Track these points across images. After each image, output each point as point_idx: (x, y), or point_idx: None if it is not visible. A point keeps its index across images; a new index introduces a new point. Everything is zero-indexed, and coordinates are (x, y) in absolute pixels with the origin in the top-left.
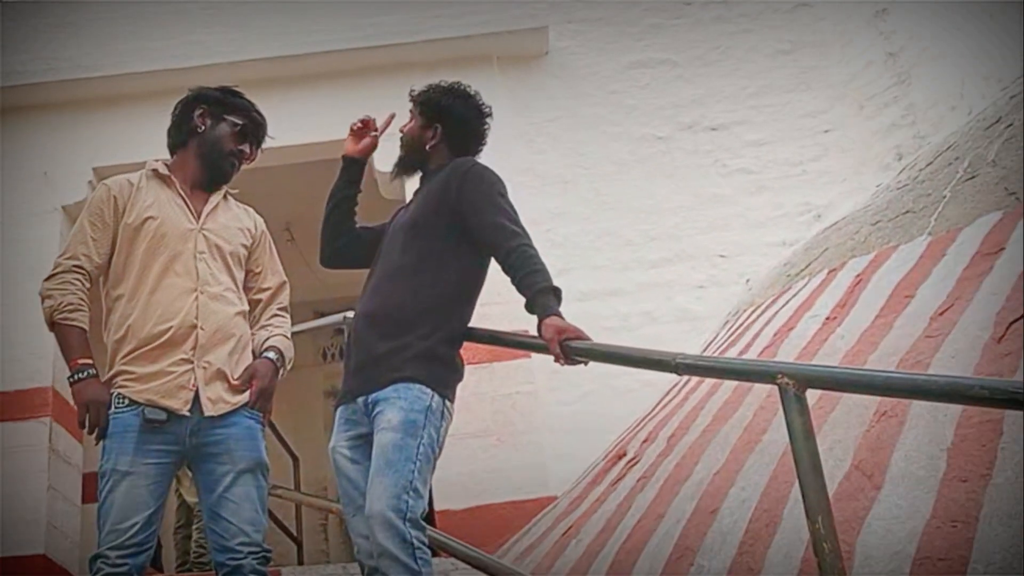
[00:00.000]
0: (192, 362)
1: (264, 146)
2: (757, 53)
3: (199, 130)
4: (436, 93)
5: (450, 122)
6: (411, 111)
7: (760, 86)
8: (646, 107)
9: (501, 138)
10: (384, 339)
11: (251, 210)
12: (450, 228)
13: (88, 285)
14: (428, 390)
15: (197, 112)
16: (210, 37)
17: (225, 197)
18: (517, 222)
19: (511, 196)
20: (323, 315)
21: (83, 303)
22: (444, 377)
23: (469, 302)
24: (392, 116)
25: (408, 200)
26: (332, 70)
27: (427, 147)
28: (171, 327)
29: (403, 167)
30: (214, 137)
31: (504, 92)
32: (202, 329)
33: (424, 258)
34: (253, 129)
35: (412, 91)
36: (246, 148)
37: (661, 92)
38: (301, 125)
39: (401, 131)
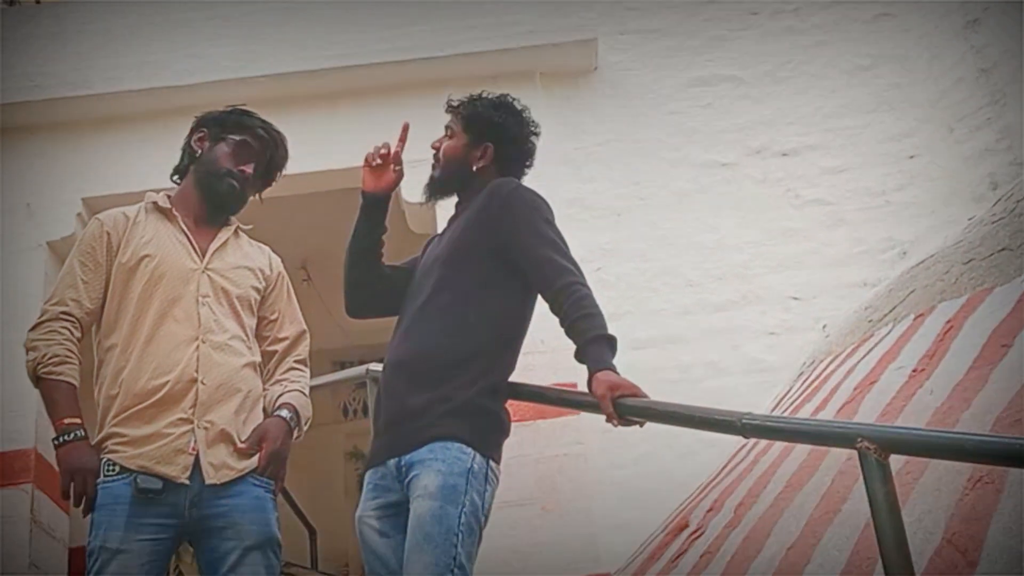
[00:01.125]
0: (192, 422)
1: (284, 170)
2: (833, 69)
3: (197, 155)
4: (485, 107)
5: (502, 141)
6: (450, 125)
7: (837, 106)
8: (709, 130)
9: (545, 164)
10: (418, 391)
11: (266, 249)
12: (491, 260)
13: (79, 334)
14: (470, 450)
15: (196, 136)
16: (216, 50)
17: (236, 233)
18: (568, 255)
19: None
20: (344, 366)
21: (72, 355)
22: (488, 434)
23: (514, 347)
24: (407, 126)
25: (441, 230)
26: (354, 88)
27: (474, 168)
28: (168, 381)
29: (439, 190)
30: (210, 158)
31: (548, 113)
32: (203, 383)
33: (462, 296)
34: (258, 147)
35: (451, 101)
36: (247, 168)
37: (726, 113)
38: (318, 150)
39: (435, 147)
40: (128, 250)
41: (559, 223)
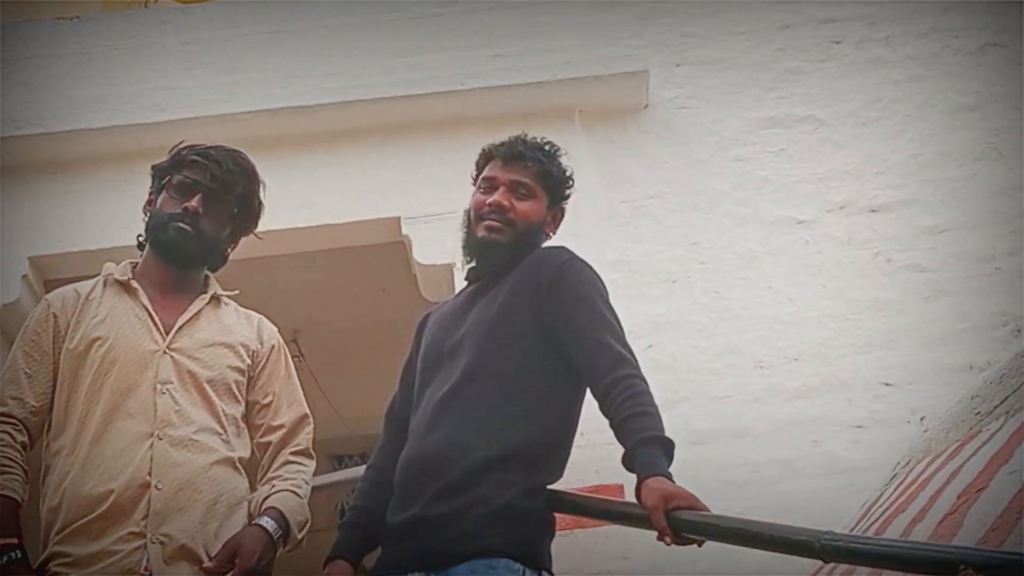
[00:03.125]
0: (144, 536)
1: (254, 225)
2: (932, 109)
3: (148, 211)
4: (554, 160)
5: (565, 200)
6: (524, 181)
7: (936, 153)
8: (782, 180)
9: (586, 220)
10: (449, 492)
11: (256, 318)
12: (538, 343)
13: (23, 438)
14: (518, 566)
15: (150, 191)
16: (192, 82)
17: (216, 303)
18: (625, 342)
19: None
20: (342, 461)
21: (12, 464)
22: (535, 542)
23: (563, 446)
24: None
25: (451, 299)
26: (356, 127)
27: (550, 234)
28: (115, 488)
29: (503, 259)
30: (154, 213)
31: (590, 158)
32: (157, 488)
33: (502, 383)
34: (203, 176)
35: (520, 146)
36: (193, 202)
37: (802, 160)
38: (313, 201)
39: (499, 205)
40: (77, 333)
41: None
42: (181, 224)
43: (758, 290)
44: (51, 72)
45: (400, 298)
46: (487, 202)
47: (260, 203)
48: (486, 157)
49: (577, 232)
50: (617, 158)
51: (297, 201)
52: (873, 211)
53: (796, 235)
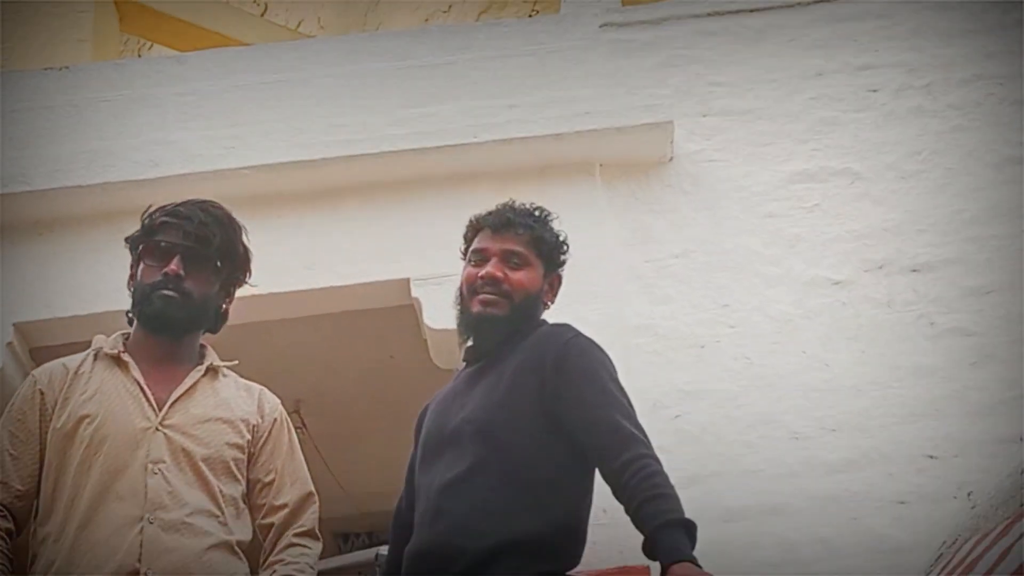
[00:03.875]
0: None
1: (240, 280)
2: (976, 161)
3: (131, 285)
4: (547, 226)
5: (561, 265)
6: (518, 250)
7: (981, 208)
8: (817, 238)
9: (607, 281)
10: None
11: (258, 390)
12: (545, 426)
13: (7, 524)
14: None
15: (130, 265)
16: (189, 135)
17: (213, 373)
18: (635, 419)
19: (624, 364)
20: (347, 540)
21: None
22: None
23: (576, 536)
24: None
25: (450, 383)
26: (362, 182)
27: (549, 303)
28: None
29: (504, 334)
30: (136, 287)
31: (611, 215)
32: None
33: (512, 469)
34: (177, 236)
35: (508, 214)
36: (172, 266)
37: (838, 216)
38: (317, 261)
39: (492, 277)
40: (65, 411)
41: (627, 356)
42: (165, 292)
43: (792, 356)
44: (38, 126)
45: (409, 365)
46: (480, 275)
47: (245, 249)
48: (474, 228)
49: (598, 294)
50: (640, 214)
51: (300, 262)
52: (914, 271)
53: (832, 297)
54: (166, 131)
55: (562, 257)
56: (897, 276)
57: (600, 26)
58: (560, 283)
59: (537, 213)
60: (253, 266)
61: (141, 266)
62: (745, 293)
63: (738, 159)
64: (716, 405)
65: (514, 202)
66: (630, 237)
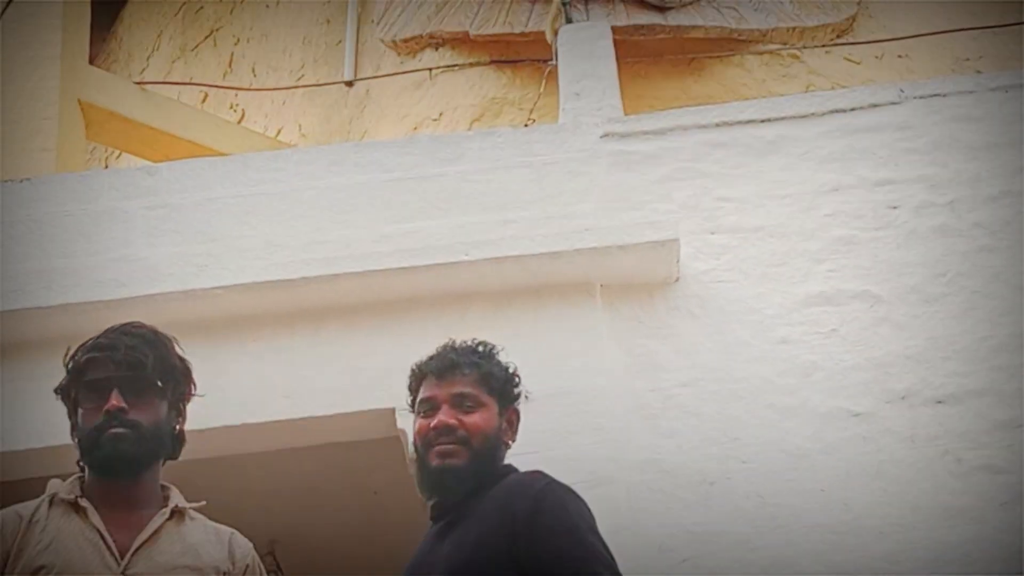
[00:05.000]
0: None
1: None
2: (1004, 284)
3: (76, 436)
4: (494, 360)
5: (516, 399)
6: (467, 392)
7: (1010, 335)
8: (834, 366)
9: (608, 413)
10: None
11: (228, 533)
12: None
13: None
14: None
15: (68, 417)
16: (158, 252)
17: (180, 516)
18: (618, 573)
19: (627, 503)
20: None
21: None
22: None
23: None
24: None
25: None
26: (344, 304)
27: (510, 443)
28: None
29: (468, 486)
30: (81, 428)
31: (613, 340)
32: None
33: None
34: (107, 366)
35: (451, 355)
36: (113, 400)
37: (857, 343)
38: (294, 390)
39: (447, 424)
40: (19, 563)
41: (629, 493)
42: (113, 430)
43: (809, 494)
44: None
45: (395, 502)
46: (432, 425)
47: (182, 360)
48: (417, 377)
49: (599, 427)
50: (644, 340)
51: (276, 390)
52: (939, 402)
53: (851, 430)
54: (134, 248)
55: (516, 391)
56: (921, 408)
57: (601, 136)
58: (518, 418)
59: (481, 348)
60: (229, 394)
61: (80, 412)
62: (758, 426)
63: (749, 280)
64: (727, 548)
65: (455, 341)
66: (633, 364)
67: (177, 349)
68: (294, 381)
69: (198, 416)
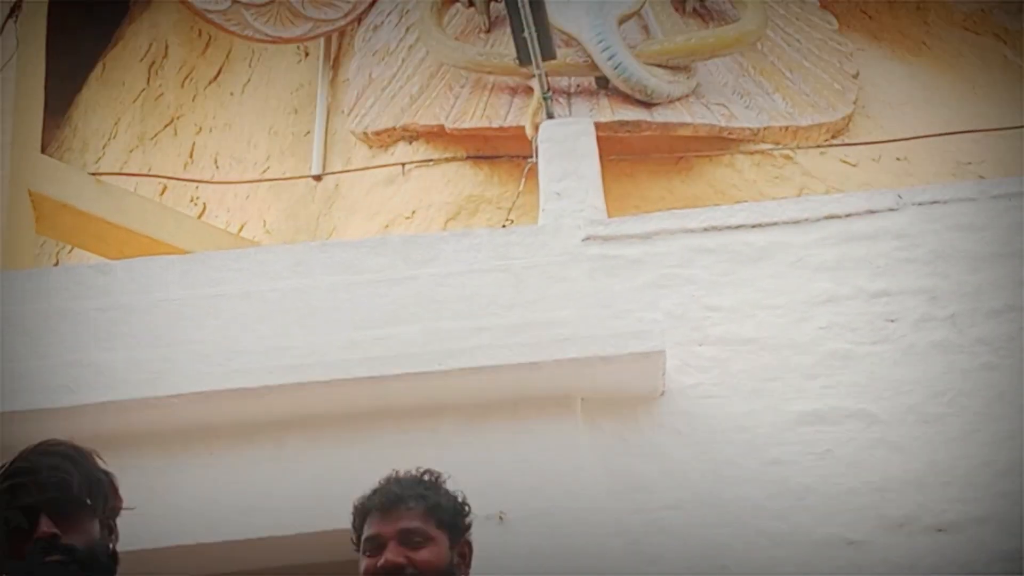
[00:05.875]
0: None
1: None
2: (1009, 404)
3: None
4: (441, 491)
5: (467, 529)
6: (416, 528)
7: (1014, 459)
8: (829, 490)
9: (588, 537)
10: None
11: None
12: None
13: None
14: None
15: None
16: (111, 357)
17: None
18: None
19: None
20: None
21: None
22: None
23: None
24: None
25: None
26: (309, 415)
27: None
28: None
29: None
30: (12, 562)
31: (594, 458)
32: None
33: None
34: (32, 495)
35: (395, 488)
36: (43, 528)
37: (853, 465)
38: (255, 506)
39: (397, 564)
40: None
41: None
42: (49, 559)
43: None
44: None
45: None
46: (379, 565)
47: (106, 473)
48: (361, 514)
49: (578, 551)
50: (627, 458)
51: (234, 508)
52: (940, 530)
53: (847, 559)
54: (85, 352)
55: (467, 521)
56: (920, 536)
57: (583, 239)
58: (471, 551)
59: (427, 479)
60: (183, 510)
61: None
62: (747, 553)
63: (739, 396)
64: None
65: (398, 473)
66: (615, 484)
67: (99, 462)
68: (254, 497)
69: (150, 533)
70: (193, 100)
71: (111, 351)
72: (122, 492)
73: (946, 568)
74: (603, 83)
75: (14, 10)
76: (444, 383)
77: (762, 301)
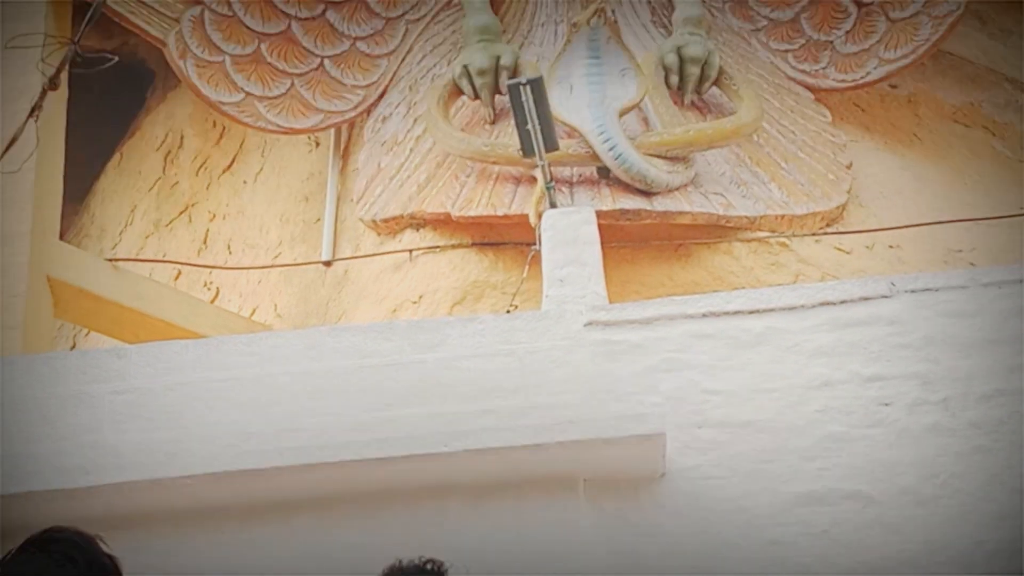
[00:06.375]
0: None
1: None
2: (1001, 486)
3: None
4: None
5: None
6: None
7: (1007, 540)
8: (827, 569)
9: None
10: None
11: None
12: None
13: None
14: None
15: None
16: (125, 438)
17: None
18: None
19: None
20: None
21: None
22: None
23: None
24: None
25: None
26: (317, 496)
27: None
28: None
29: None
30: None
31: (596, 537)
32: None
33: None
34: None
35: None
36: None
37: (849, 545)
38: None
39: None
40: None
41: None
42: None
43: None
44: None
45: None
46: None
47: (110, 557)
48: None
49: None
50: (629, 538)
51: None
52: None
53: None
54: (100, 434)
55: None
56: None
57: (585, 325)
58: None
59: (429, 567)
60: None
61: None
62: None
63: (737, 477)
64: None
65: (400, 562)
66: (616, 563)
67: (103, 547)
68: None
69: None
70: (207, 188)
71: (126, 433)
72: (136, 571)
73: None
74: (604, 173)
75: (34, 110)
76: (450, 464)
77: (760, 385)
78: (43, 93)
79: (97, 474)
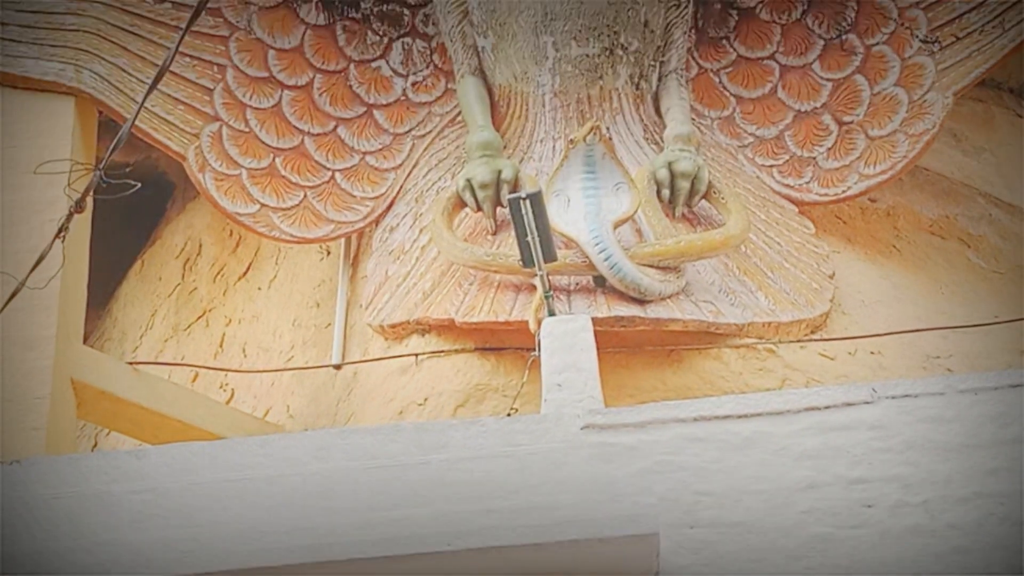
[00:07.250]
0: None
1: None
2: None
3: None
4: None
5: None
6: None
7: None
8: None
9: None
10: None
11: None
12: None
13: None
14: None
15: None
16: (143, 537)
17: None
18: None
19: None
20: None
21: None
22: None
23: None
24: None
25: None
26: None
27: None
28: None
29: None
30: None
31: None
32: None
33: None
34: None
35: None
36: None
37: None
38: None
39: None
40: None
41: None
42: None
43: None
44: None
45: None
46: None
47: None
48: None
49: None
50: None
51: None
52: None
53: None
54: (119, 532)
55: None
56: None
57: (582, 428)
58: None
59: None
60: None
61: None
62: None
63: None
64: None
65: None
66: None
67: None
68: None
69: None
70: (224, 294)
71: (143, 532)
72: None
73: None
74: (600, 282)
75: (61, 230)
76: (454, 562)
77: (748, 487)
78: (69, 215)
79: (115, 572)
